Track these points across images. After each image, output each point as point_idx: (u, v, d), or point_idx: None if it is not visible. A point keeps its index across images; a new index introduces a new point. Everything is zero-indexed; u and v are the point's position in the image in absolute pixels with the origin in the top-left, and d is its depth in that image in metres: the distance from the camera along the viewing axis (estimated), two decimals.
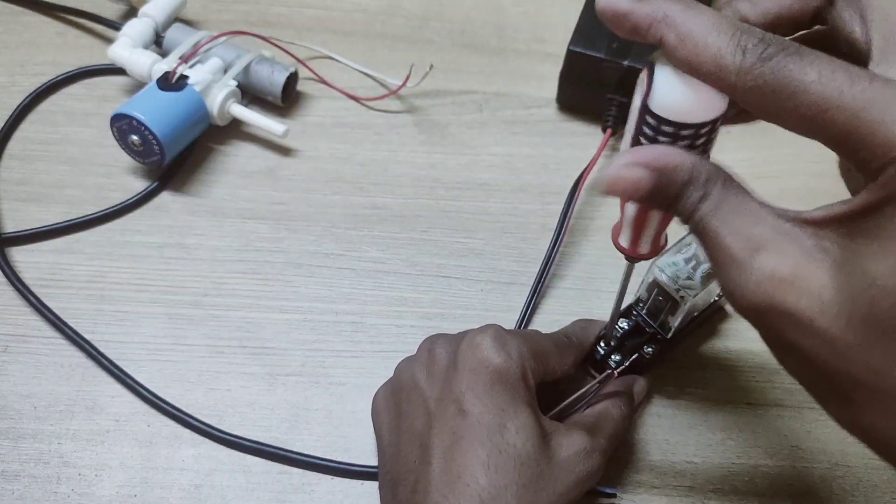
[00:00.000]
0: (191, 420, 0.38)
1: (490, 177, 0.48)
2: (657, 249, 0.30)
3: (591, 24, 0.47)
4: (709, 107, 0.24)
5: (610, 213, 0.46)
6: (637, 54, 0.46)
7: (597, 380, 0.36)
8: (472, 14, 0.55)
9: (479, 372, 0.32)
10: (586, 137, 0.49)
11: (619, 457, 0.38)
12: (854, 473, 0.38)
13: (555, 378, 0.36)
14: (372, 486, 0.37)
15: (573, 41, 0.47)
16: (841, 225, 0.22)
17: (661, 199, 0.25)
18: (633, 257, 0.31)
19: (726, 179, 0.24)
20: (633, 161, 0.24)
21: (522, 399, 0.32)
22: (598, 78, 0.47)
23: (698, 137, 0.25)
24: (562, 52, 0.47)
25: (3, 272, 0.42)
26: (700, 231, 0.24)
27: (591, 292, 0.44)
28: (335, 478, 0.38)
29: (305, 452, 0.38)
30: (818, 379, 0.23)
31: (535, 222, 0.46)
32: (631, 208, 0.28)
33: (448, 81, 0.51)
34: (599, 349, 0.39)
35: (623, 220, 0.29)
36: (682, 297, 0.37)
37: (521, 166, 0.48)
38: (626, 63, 0.45)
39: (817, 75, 0.21)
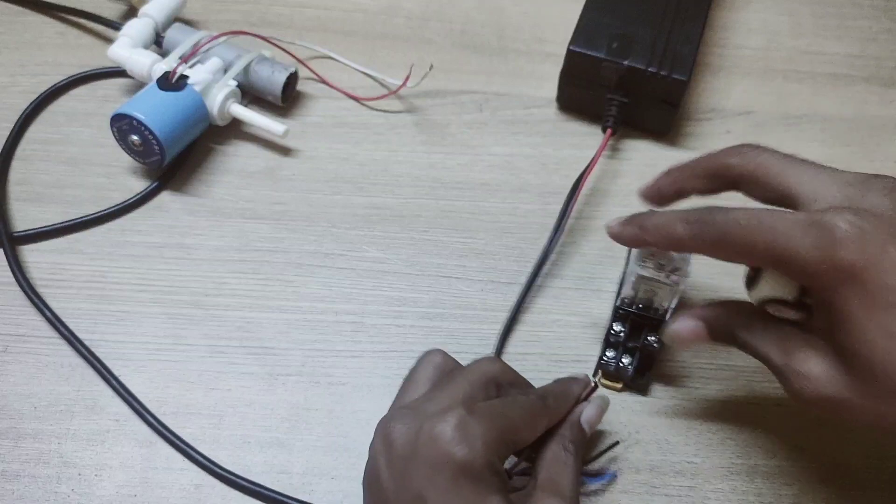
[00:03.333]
0: (177, 441, 0.38)
1: (490, 177, 0.48)
2: None
3: (591, 24, 0.47)
4: None
5: (609, 213, 0.46)
6: (637, 54, 0.46)
7: (581, 397, 0.36)
8: (472, 14, 0.55)
9: (440, 467, 0.30)
10: (586, 137, 0.49)
11: (619, 457, 0.38)
12: (854, 473, 0.38)
13: (525, 446, 0.34)
14: None
15: (573, 41, 0.46)
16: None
17: (720, 339, 0.35)
18: None
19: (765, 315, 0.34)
20: (682, 320, 0.36)
21: (490, 490, 0.30)
22: (598, 78, 0.47)
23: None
24: (562, 52, 0.47)
25: (12, 271, 0.42)
26: (754, 351, 0.34)
27: (591, 292, 0.43)
28: (335, 479, 0.38)
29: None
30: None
31: (535, 222, 0.46)
32: None
33: (448, 81, 0.51)
34: (608, 360, 0.39)
35: None
36: (674, 282, 0.37)
37: (521, 166, 0.48)
38: (626, 63, 0.45)
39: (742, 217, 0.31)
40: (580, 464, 0.34)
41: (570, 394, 0.36)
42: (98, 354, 0.40)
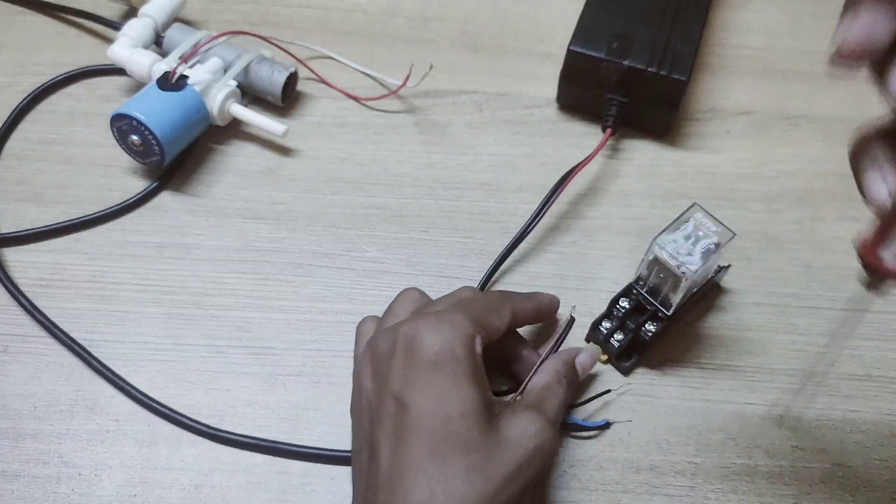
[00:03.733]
0: (189, 422, 0.38)
1: (490, 177, 0.48)
2: None
3: (591, 24, 0.47)
4: None
5: (609, 213, 0.46)
6: (637, 54, 0.46)
7: (562, 329, 0.38)
8: (472, 14, 0.55)
9: (415, 363, 0.32)
10: (586, 137, 0.49)
11: (619, 457, 0.38)
12: (854, 473, 0.38)
13: (498, 336, 0.35)
14: None
15: (573, 41, 0.46)
16: None
17: None
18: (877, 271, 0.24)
19: None
20: None
21: (465, 379, 0.31)
22: (598, 78, 0.47)
23: None
24: (562, 52, 0.47)
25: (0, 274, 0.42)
26: None
27: (591, 292, 0.43)
28: (335, 479, 0.38)
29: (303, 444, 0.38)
30: None
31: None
32: None
33: (448, 81, 0.51)
34: (602, 329, 0.40)
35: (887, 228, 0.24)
36: (682, 273, 0.37)
37: (521, 166, 0.48)
38: (626, 63, 0.45)
39: None
40: (568, 399, 0.37)
41: (534, 295, 0.39)
42: (97, 355, 0.40)
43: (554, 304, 0.41)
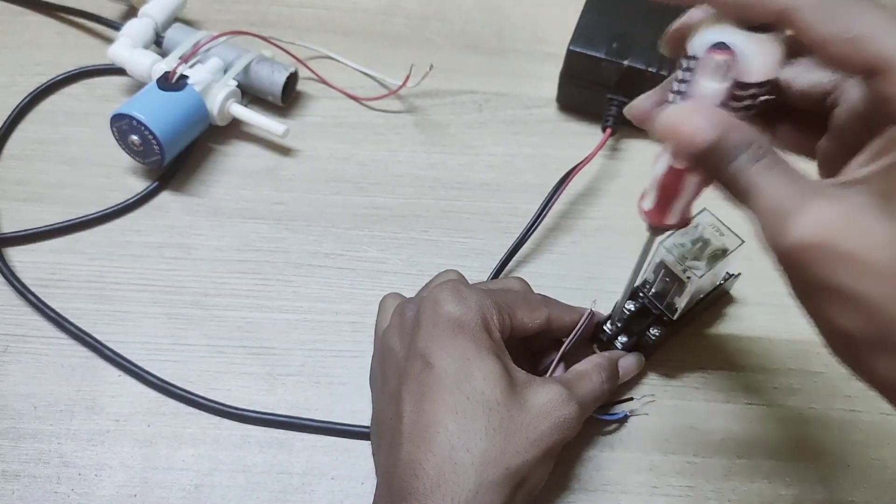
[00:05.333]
0: (202, 400, 0.39)
1: (490, 177, 0.48)
2: (686, 221, 0.30)
3: (591, 24, 0.47)
4: (774, 61, 0.25)
5: (609, 213, 0.46)
6: (637, 54, 0.46)
7: (583, 319, 0.37)
8: (472, 14, 0.55)
9: (439, 325, 0.33)
10: (586, 137, 0.49)
11: (619, 457, 0.38)
12: (854, 473, 0.38)
13: (527, 333, 0.36)
14: (372, 486, 0.37)
15: (573, 41, 0.47)
16: (882, 178, 0.23)
17: (713, 158, 0.25)
18: (658, 227, 0.30)
19: (776, 151, 0.25)
20: (697, 111, 0.25)
21: (486, 348, 0.33)
22: (598, 78, 0.47)
23: (759, 96, 0.26)
24: (562, 52, 0.47)
25: (2, 273, 0.42)
26: (750, 186, 0.24)
27: (592, 292, 0.43)
28: (335, 479, 0.38)
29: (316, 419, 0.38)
30: (867, 328, 0.22)
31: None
32: (661, 168, 0.28)
33: (448, 81, 0.51)
34: (606, 330, 0.40)
35: (655, 187, 0.29)
36: (688, 278, 0.37)
37: (521, 166, 0.48)
38: (626, 63, 0.45)
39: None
40: (604, 394, 0.36)
41: (577, 309, 0.39)
42: (98, 355, 0.40)
43: (592, 323, 0.39)
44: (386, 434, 0.33)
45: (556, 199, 0.44)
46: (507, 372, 0.33)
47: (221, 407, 0.39)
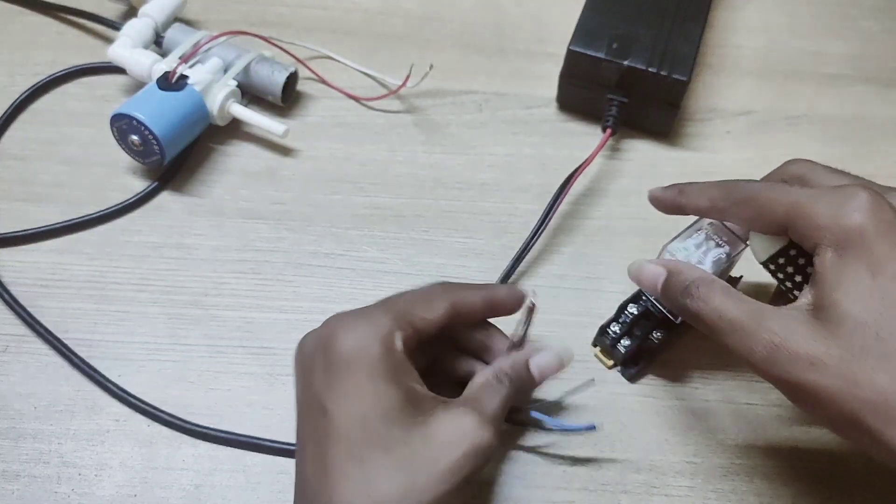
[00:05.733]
0: (187, 425, 0.38)
1: (490, 177, 0.48)
2: None
3: (591, 24, 0.47)
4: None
5: (609, 213, 0.46)
6: (637, 54, 0.46)
7: (524, 316, 0.35)
8: (472, 14, 0.55)
9: (331, 368, 0.31)
10: (586, 137, 0.49)
11: (619, 457, 0.38)
12: (854, 473, 0.38)
13: (436, 329, 0.34)
14: None
15: (573, 41, 0.46)
16: (810, 295, 0.31)
17: (670, 292, 0.34)
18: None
19: (721, 282, 0.33)
20: (656, 263, 0.36)
21: (384, 378, 0.31)
22: (598, 78, 0.47)
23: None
24: (562, 52, 0.47)
25: None
26: (705, 311, 0.32)
27: (592, 292, 0.43)
28: None
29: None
30: (836, 414, 0.29)
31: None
32: None
33: (448, 81, 0.51)
34: (610, 332, 0.40)
35: None
36: None
37: (521, 166, 0.48)
38: (626, 63, 0.45)
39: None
40: (511, 397, 0.33)
41: (486, 286, 0.37)
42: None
43: (514, 295, 0.36)
44: (299, 482, 0.32)
45: (559, 203, 0.44)
46: (406, 401, 0.31)
47: (206, 430, 0.38)
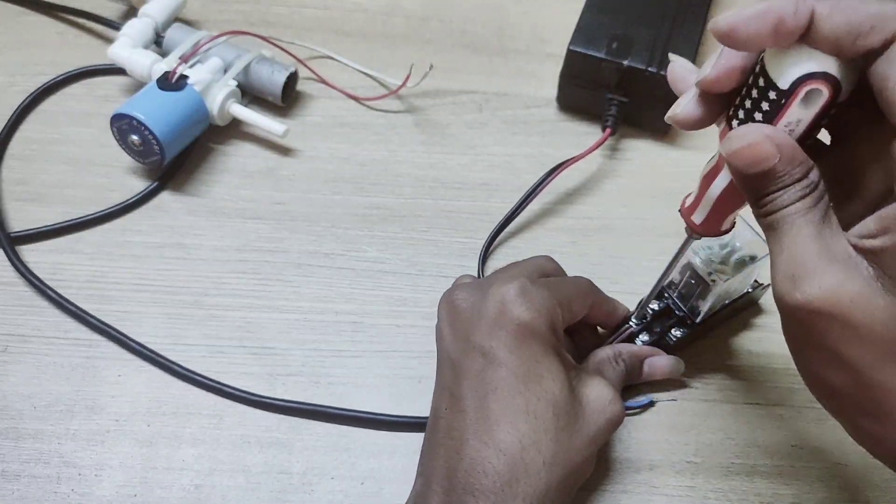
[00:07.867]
0: (198, 377, 0.40)
1: (490, 177, 0.48)
2: (729, 229, 0.30)
3: (591, 24, 0.47)
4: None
5: (610, 213, 0.46)
6: (637, 54, 0.46)
7: (620, 334, 0.39)
8: (472, 14, 0.55)
9: (507, 327, 0.33)
10: (586, 137, 0.49)
11: (619, 457, 0.38)
12: (854, 473, 0.38)
13: (573, 323, 0.37)
14: (372, 486, 0.37)
15: (573, 41, 0.47)
16: (891, 258, 0.24)
17: (768, 183, 0.25)
18: (702, 234, 0.30)
19: (824, 193, 0.25)
20: (771, 136, 0.25)
21: (553, 349, 0.33)
22: (598, 78, 0.47)
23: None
24: (562, 52, 0.47)
25: (18, 270, 0.42)
26: (780, 226, 0.25)
27: None
28: (335, 478, 0.38)
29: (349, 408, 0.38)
30: (852, 390, 0.25)
31: (536, 222, 0.46)
32: (720, 184, 0.28)
33: (448, 81, 0.51)
34: (631, 324, 0.40)
35: (702, 196, 0.29)
36: (713, 281, 0.37)
37: (521, 166, 0.48)
38: (626, 63, 0.45)
39: None
40: (624, 378, 0.38)
41: (613, 300, 0.40)
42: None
43: (625, 315, 0.40)
44: (438, 423, 0.33)
45: (542, 188, 0.45)
46: (568, 370, 0.33)
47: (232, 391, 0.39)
